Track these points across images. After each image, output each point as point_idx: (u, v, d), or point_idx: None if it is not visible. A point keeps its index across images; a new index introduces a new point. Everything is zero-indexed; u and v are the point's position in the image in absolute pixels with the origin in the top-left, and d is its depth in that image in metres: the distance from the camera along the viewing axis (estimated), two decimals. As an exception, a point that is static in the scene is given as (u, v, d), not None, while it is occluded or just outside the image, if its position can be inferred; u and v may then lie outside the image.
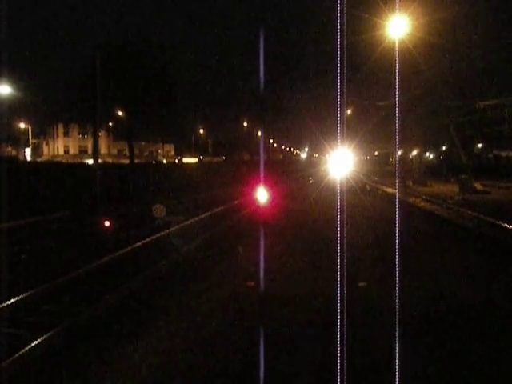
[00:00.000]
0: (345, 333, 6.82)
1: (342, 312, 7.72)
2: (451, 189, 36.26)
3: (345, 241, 13.00)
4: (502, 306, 8.25)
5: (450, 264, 11.34)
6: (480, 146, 76.06)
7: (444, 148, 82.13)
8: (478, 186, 34.27)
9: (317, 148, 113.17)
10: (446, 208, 22.93)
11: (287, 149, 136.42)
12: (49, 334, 6.48)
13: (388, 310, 7.28)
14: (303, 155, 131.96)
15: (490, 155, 73.53)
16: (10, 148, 76.24)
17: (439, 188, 39.08)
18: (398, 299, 6.34)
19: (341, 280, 9.47)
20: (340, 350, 6.25)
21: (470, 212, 20.14)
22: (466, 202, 24.96)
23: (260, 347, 6.29)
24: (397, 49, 23.31)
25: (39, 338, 6.33)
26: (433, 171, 52.95)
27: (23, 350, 5.98)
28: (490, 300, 8.55)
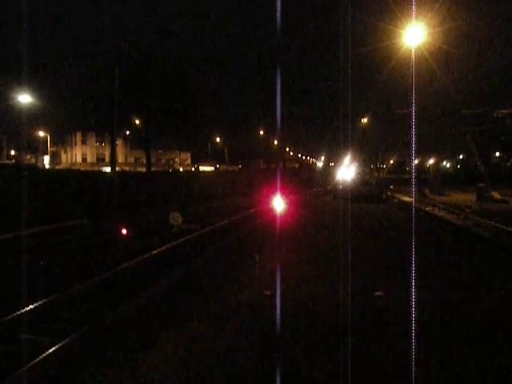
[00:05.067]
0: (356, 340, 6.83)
1: (356, 319, 7.74)
2: (469, 198, 36.00)
3: (361, 251, 12.96)
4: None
5: (468, 275, 11.22)
6: (497, 154, 75.35)
7: (461, 157, 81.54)
8: (496, 194, 33.98)
9: (333, 157, 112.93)
10: (464, 217, 22.76)
11: (303, 157, 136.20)
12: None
13: (401, 318, 7.27)
14: (319, 164, 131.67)
15: (508, 164, 72.76)
16: (29, 156, 77.31)
17: (456, 197, 38.81)
18: (414, 309, 6.32)
19: (357, 289, 9.48)
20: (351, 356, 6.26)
21: (488, 221, 19.98)
22: (484, 212, 24.75)
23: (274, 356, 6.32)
24: (413, 57, 23.28)
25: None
26: (450, 180, 52.59)
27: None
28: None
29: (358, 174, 55.84)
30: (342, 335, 6.85)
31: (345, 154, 50.05)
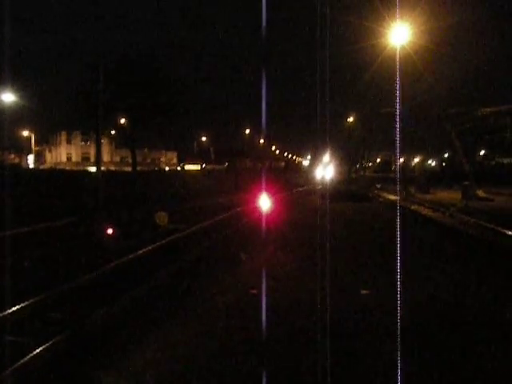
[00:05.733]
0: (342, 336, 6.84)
1: (341, 317, 7.76)
2: (454, 196, 36.20)
3: (346, 248, 12.96)
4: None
5: (453, 273, 11.29)
6: (482, 152, 76.11)
7: (446, 155, 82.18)
8: (481, 193, 34.20)
9: (319, 155, 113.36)
10: (449, 215, 22.92)
11: (290, 156, 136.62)
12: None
13: (385, 314, 7.29)
14: (305, 162, 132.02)
15: (493, 162, 73.54)
16: (13, 155, 76.58)
17: (442, 195, 39.03)
18: (399, 307, 6.34)
19: (343, 288, 9.50)
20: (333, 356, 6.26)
21: (472, 219, 20.14)
22: (469, 210, 24.92)
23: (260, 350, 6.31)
24: (398, 56, 23.44)
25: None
26: (435, 178, 52.92)
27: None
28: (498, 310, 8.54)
29: (344, 172, 56.08)
30: (324, 328, 6.85)
31: (330, 153, 50.15)
